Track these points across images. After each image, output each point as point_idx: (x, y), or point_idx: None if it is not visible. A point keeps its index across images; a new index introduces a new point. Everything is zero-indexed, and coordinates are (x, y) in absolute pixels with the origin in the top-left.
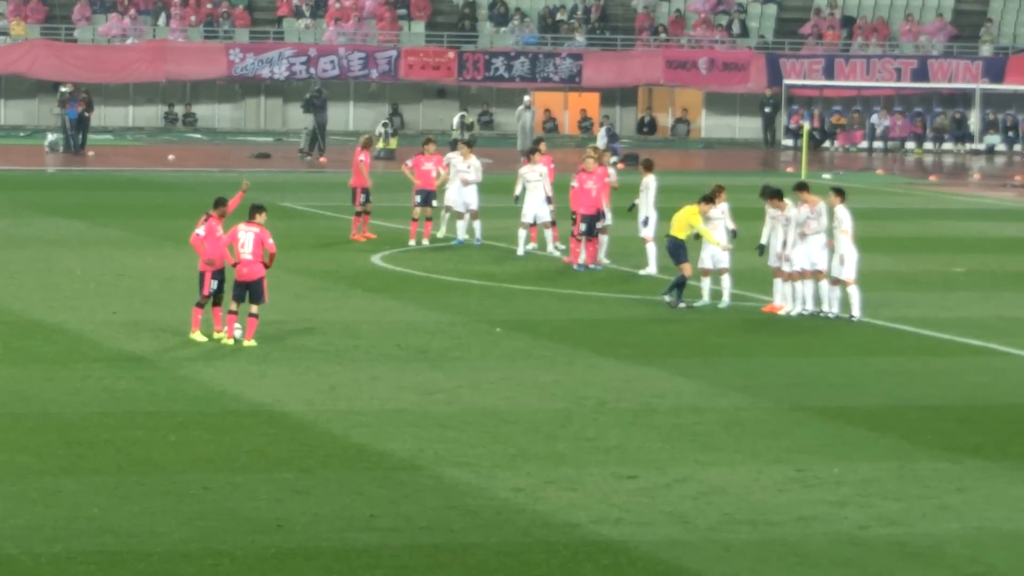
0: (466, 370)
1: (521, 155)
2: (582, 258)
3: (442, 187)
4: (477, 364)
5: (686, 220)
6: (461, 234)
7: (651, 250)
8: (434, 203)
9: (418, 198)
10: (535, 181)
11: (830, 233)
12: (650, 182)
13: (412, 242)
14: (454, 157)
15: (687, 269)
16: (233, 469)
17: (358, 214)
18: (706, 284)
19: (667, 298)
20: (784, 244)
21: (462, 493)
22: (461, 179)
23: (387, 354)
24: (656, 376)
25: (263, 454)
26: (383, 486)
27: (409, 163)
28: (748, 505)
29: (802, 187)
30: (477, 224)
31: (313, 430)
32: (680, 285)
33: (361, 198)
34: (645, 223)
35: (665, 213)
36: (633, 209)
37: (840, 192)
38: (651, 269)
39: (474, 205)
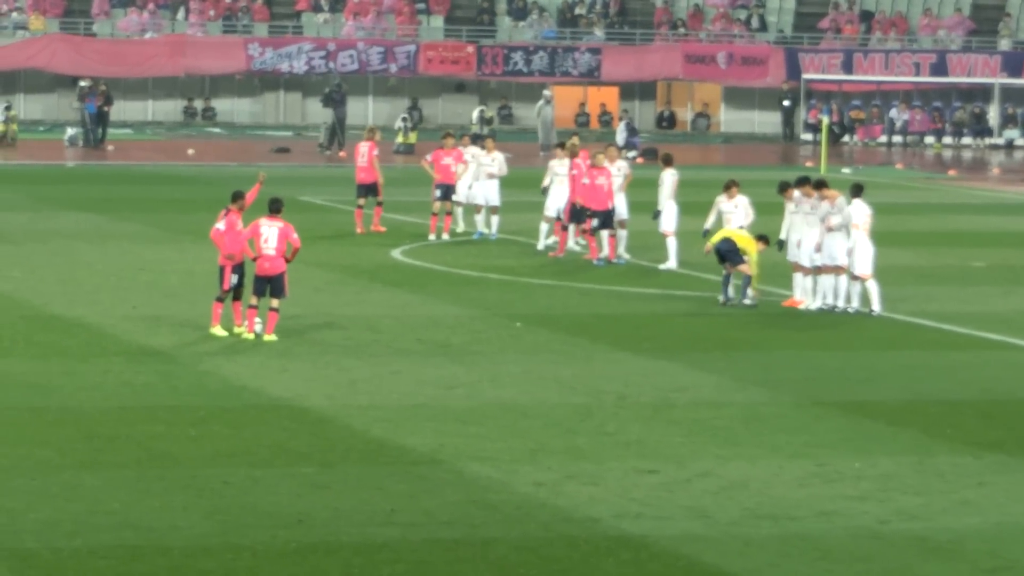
0: (486, 364)
1: (541, 149)
2: (604, 252)
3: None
4: (497, 358)
5: (745, 244)
6: (481, 227)
7: (672, 244)
8: (454, 197)
9: (438, 192)
10: (563, 175)
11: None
12: (666, 176)
13: (432, 236)
14: (477, 151)
15: (746, 268)
16: (253, 464)
17: (360, 207)
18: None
19: (747, 300)
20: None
21: (483, 488)
22: (486, 172)
23: (407, 348)
24: (675, 370)
25: (283, 449)
26: (403, 481)
27: (428, 158)
28: (769, 500)
29: (821, 184)
30: (495, 219)
31: (334, 425)
32: (746, 284)
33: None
34: (656, 216)
35: (686, 208)
36: (658, 217)
37: (858, 188)
38: (671, 263)
39: (495, 201)
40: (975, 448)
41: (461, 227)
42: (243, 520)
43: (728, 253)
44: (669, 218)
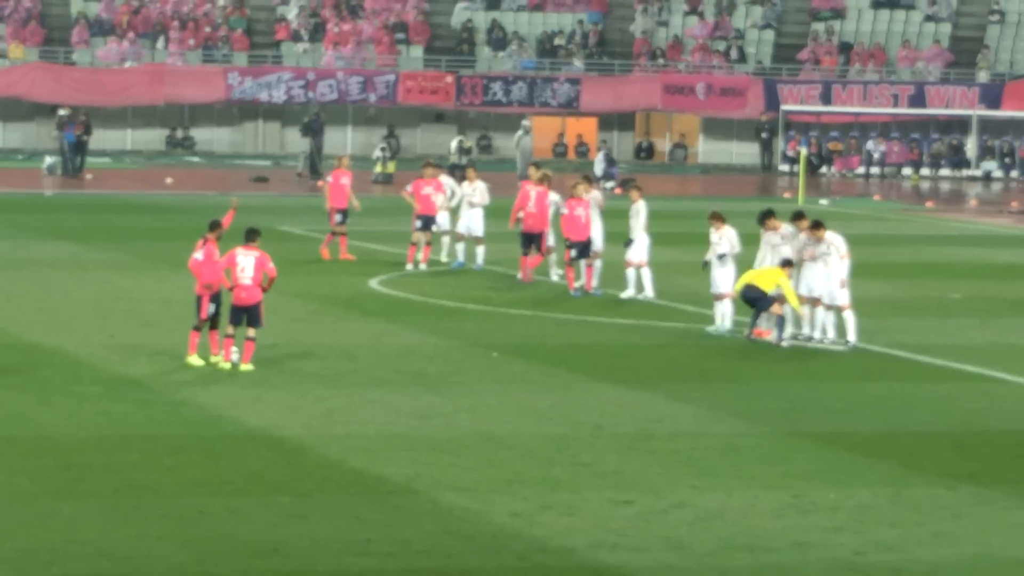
0: (463, 394)
1: (519, 179)
2: (580, 283)
3: (442, 211)
4: (474, 388)
5: (773, 279)
6: (461, 256)
7: (646, 275)
8: (434, 228)
9: (418, 223)
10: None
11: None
12: (641, 207)
13: (409, 266)
14: (450, 181)
15: (777, 308)
16: (230, 493)
17: (334, 233)
18: (727, 309)
19: (784, 342)
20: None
21: (459, 518)
22: (468, 202)
23: (384, 378)
24: (653, 401)
25: (260, 478)
26: (380, 510)
27: (409, 188)
28: (744, 531)
29: (799, 216)
30: (480, 249)
31: (310, 454)
32: (780, 325)
33: (337, 218)
34: (628, 244)
35: (661, 238)
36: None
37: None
38: (649, 293)
39: (478, 231)
40: (951, 480)
41: (444, 256)
42: (219, 549)
43: (755, 301)
44: (640, 249)
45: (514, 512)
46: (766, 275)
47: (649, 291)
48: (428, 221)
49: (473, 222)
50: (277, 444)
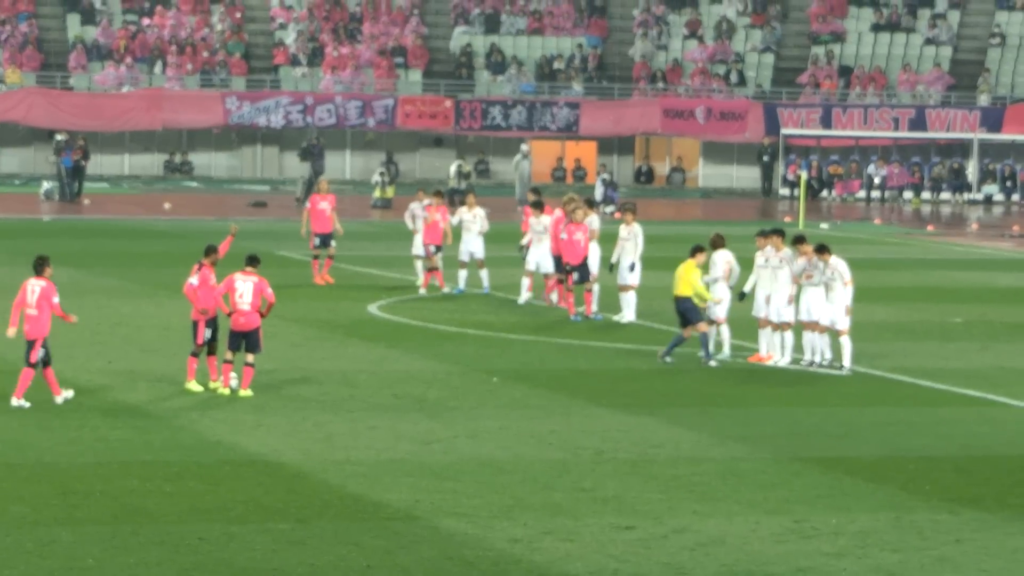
0: (463, 420)
1: (518, 204)
2: (581, 307)
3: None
4: (474, 414)
5: (686, 277)
6: (462, 283)
7: (632, 298)
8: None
9: (432, 248)
10: (541, 233)
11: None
12: (638, 231)
13: (423, 291)
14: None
15: (703, 327)
16: (229, 519)
17: (316, 258)
18: (725, 334)
19: (668, 359)
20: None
21: (459, 544)
22: (467, 227)
23: (384, 404)
24: (653, 426)
25: (259, 504)
26: (380, 536)
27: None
28: (746, 556)
29: (800, 240)
30: (484, 273)
31: (310, 480)
32: (704, 343)
33: (316, 241)
34: (632, 269)
35: (658, 263)
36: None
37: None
38: (630, 316)
39: (480, 254)
40: (953, 504)
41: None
42: None
43: (684, 314)
44: (637, 273)
45: (514, 538)
46: (682, 279)
47: (630, 313)
48: (438, 247)
49: (474, 246)
50: (276, 470)
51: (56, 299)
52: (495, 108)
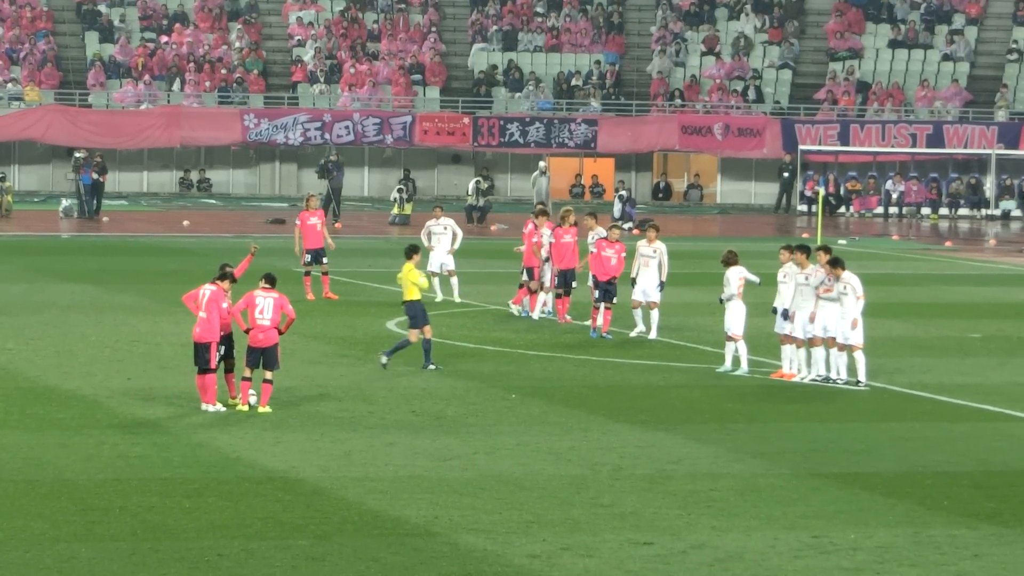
0: (481, 436)
1: None
2: (599, 323)
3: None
4: (492, 430)
5: (408, 280)
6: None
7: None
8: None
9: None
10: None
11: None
12: (663, 249)
13: (516, 309)
14: (452, 223)
15: (414, 336)
16: (248, 536)
17: (307, 274)
18: (730, 349)
19: (384, 359)
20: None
21: (478, 560)
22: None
23: (402, 420)
24: (671, 442)
25: (278, 521)
26: (398, 553)
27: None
28: (764, 572)
29: (824, 249)
30: (454, 281)
31: (328, 496)
32: (401, 347)
33: (307, 258)
34: (661, 288)
35: (677, 279)
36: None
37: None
38: (653, 333)
39: (451, 265)
40: (971, 519)
41: (457, 296)
42: None
43: (413, 318)
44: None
45: (533, 554)
46: (406, 283)
47: (644, 328)
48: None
49: (446, 258)
50: (295, 486)
51: (225, 304)
52: (513, 125)
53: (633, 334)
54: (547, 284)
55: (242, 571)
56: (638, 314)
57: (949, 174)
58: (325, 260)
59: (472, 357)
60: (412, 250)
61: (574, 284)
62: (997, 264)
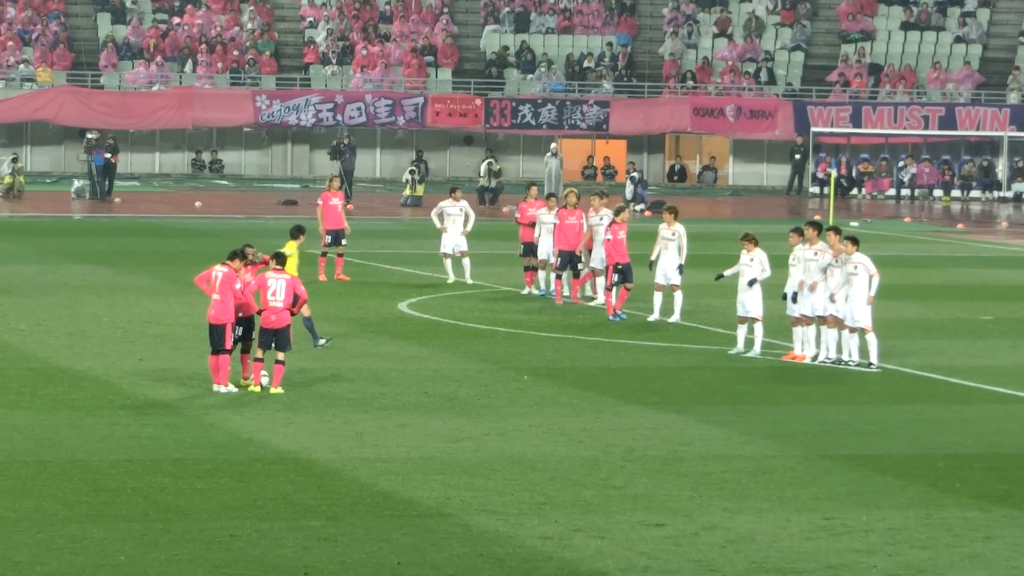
0: (493, 418)
1: None
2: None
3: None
4: (504, 412)
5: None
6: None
7: (679, 297)
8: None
9: (522, 248)
10: (548, 223)
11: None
12: (682, 231)
13: (530, 290)
14: (466, 206)
15: (306, 310)
16: (260, 516)
17: (323, 255)
18: (742, 331)
19: (321, 342)
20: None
21: (489, 541)
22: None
23: (414, 401)
24: (683, 424)
25: (290, 501)
26: (410, 534)
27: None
28: (776, 553)
29: (834, 229)
30: (466, 262)
31: (340, 477)
32: (310, 329)
33: (328, 239)
34: (681, 271)
35: (690, 261)
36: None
37: (854, 240)
38: (676, 316)
39: (463, 246)
40: (983, 501)
41: (452, 279)
42: (249, 573)
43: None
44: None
45: (545, 535)
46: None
47: (669, 313)
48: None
49: (459, 239)
50: (307, 467)
51: (238, 285)
52: (525, 107)
53: (651, 319)
54: (552, 263)
55: (254, 551)
56: (658, 298)
57: (961, 156)
58: (344, 242)
59: (484, 338)
60: (297, 229)
61: (580, 266)
62: (1009, 246)
